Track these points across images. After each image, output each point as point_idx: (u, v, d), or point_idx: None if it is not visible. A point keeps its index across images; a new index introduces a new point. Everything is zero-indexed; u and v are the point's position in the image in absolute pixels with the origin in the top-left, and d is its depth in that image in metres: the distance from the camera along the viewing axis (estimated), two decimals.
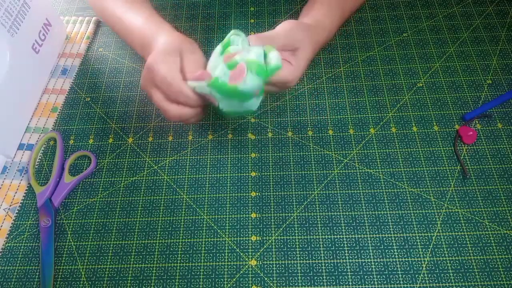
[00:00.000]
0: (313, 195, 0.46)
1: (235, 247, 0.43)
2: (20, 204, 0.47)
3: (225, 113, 0.41)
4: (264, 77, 0.38)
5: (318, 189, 0.46)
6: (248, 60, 0.38)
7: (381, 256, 0.42)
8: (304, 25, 0.45)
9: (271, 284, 0.41)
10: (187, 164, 0.49)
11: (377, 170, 0.47)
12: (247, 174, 0.48)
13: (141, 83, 0.42)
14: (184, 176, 0.48)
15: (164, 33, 0.44)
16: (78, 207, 0.47)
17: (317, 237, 0.43)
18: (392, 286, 0.40)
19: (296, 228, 0.44)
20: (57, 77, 0.56)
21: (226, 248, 0.43)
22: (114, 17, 0.51)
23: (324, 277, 0.41)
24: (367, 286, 0.40)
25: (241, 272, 0.42)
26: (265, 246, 0.43)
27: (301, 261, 0.42)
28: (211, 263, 0.43)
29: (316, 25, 0.47)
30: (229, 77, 0.38)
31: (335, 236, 0.43)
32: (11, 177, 0.49)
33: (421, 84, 0.52)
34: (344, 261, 0.42)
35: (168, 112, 0.40)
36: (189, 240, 0.44)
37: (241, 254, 0.43)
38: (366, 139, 0.49)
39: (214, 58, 0.40)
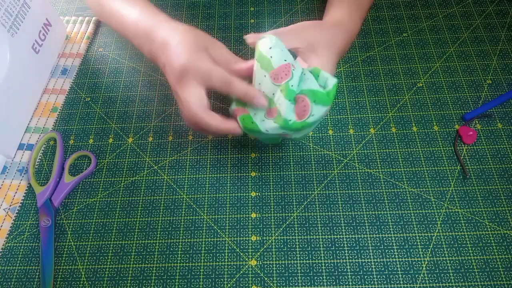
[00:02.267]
0: (313, 195, 0.46)
1: (235, 247, 0.43)
2: (20, 204, 0.47)
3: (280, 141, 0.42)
4: (328, 103, 0.37)
5: (318, 189, 0.46)
6: (309, 91, 0.37)
7: (381, 256, 0.42)
8: (318, 24, 0.43)
9: (271, 284, 0.41)
10: (187, 164, 0.49)
11: (377, 170, 0.47)
12: (247, 174, 0.48)
13: (173, 90, 0.40)
14: (184, 176, 0.48)
15: (163, 26, 0.42)
16: (78, 207, 0.47)
17: (317, 237, 0.43)
18: (392, 286, 0.40)
19: (296, 228, 0.44)
20: (57, 77, 0.56)
21: (226, 248, 0.43)
22: (110, 12, 0.49)
23: (324, 277, 0.41)
24: (367, 286, 0.40)
25: (241, 272, 0.42)
26: (265, 246, 0.43)
27: (301, 261, 0.42)
28: (211, 263, 0.43)
29: (335, 25, 0.44)
30: (295, 115, 0.37)
31: (335, 236, 0.43)
32: (11, 177, 0.49)
33: (421, 84, 0.53)
34: (344, 261, 0.42)
35: (199, 130, 0.40)
36: (189, 240, 0.44)
37: (241, 254, 0.43)
38: (366, 139, 0.49)
39: (258, 76, 0.38)
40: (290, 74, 0.36)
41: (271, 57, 0.36)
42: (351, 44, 0.49)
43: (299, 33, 0.41)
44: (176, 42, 0.40)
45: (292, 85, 0.36)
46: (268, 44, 0.36)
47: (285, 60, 0.36)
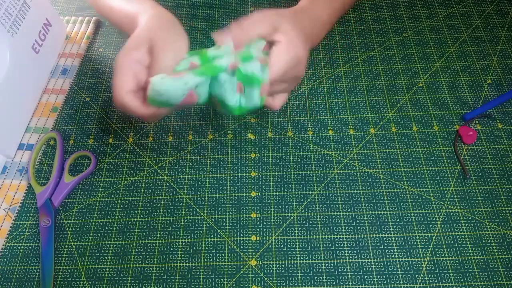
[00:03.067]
0: (313, 195, 0.46)
1: (235, 247, 0.43)
2: (20, 204, 0.47)
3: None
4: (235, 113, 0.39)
5: (318, 189, 0.46)
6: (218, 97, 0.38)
7: (381, 256, 0.42)
8: (278, 10, 0.43)
9: (271, 284, 0.41)
10: (187, 164, 0.49)
11: (377, 170, 0.47)
12: (247, 174, 0.48)
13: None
14: (184, 176, 0.48)
15: (145, 14, 0.43)
16: (78, 207, 0.47)
17: (317, 237, 0.43)
18: (392, 286, 0.40)
19: (296, 228, 0.44)
20: (57, 77, 0.56)
21: (226, 248, 0.43)
22: (103, 4, 0.51)
23: (324, 277, 0.41)
24: (367, 286, 0.40)
25: (241, 272, 0.42)
26: (265, 246, 0.43)
27: (301, 261, 0.42)
28: (211, 263, 0.43)
29: (296, 11, 0.45)
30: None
31: (335, 236, 0.43)
32: (11, 177, 0.49)
33: (421, 84, 0.53)
34: (344, 261, 0.42)
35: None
36: (189, 240, 0.44)
37: (241, 254, 0.43)
38: (366, 139, 0.49)
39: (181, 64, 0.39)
40: (196, 99, 0.38)
41: (167, 100, 0.37)
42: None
43: (261, 19, 0.40)
44: (138, 29, 0.41)
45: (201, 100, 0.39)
46: (155, 94, 0.37)
47: (183, 95, 0.37)
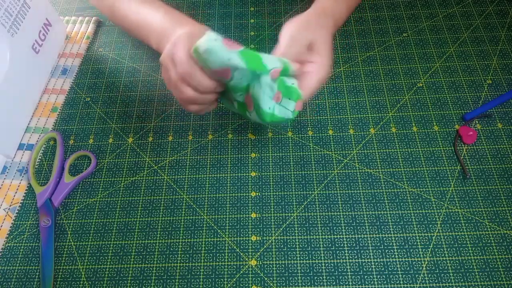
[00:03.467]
0: (313, 195, 0.46)
1: (235, 247, 0.43)
2: (20, 204, 0.47)
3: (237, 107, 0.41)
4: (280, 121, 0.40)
5: (318, 189, 0.46)
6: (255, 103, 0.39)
7: (381, 256, 0.42)
8: (303, 23, 0.44)
9: (271, 284, 0.41)
10: (187, 164, 0.49)
11: (377, 170, 0.47)
12: (247, 174, 0.48)
13: (162, 57, 0.41)
14: (184, 176, 0.48)
15: (188, 26, 0.44)
16: (78, 207, 0.47)
17: (317, 237, 0.43)
18: (392, 286, 0.40)
19: (296, 228, 0.44)
20: (57, 77, 0.56)
21: (226, 248, 0.43)
22: (125, 12, 0.50)
23: (324, 277, 0.41)
24: (367, 286, 0.40)
25: (241, 272, 0.42)
26: (265, 246, 0.43)
27: (301, 261, 0.42)
28: (211, 263, 0.43)
29: (321, 15, 0.46)
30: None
31: (335, 236, 0.43)
32: (11, 177, 0.49)
33: (421, 84, 0.53)
34: (344, 261, 0.42)
35: (181, 93, 0.40)
36: (189, 240, 0.44)
37: (241, 254, 0.43)
38: (366, 139, 0.49)
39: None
40: (229, 76, 0.37)
41: (207, 59, 0.37)
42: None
43: (293, 44, 0.42)
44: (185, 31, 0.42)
45: (233, 84, 0.38)
46: (203, 47, 0.36)
47: (221, 65, 0.37)
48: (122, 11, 0.51)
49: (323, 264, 0.42)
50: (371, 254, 0.42)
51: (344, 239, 0.43)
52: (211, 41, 0.36)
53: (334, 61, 0.55)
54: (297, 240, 0.43)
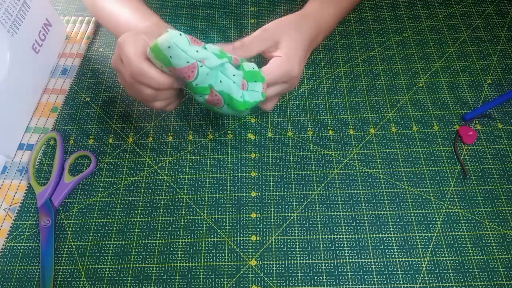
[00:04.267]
0: (313, 195, 0.46)
1: (235, 247, 0.43)
2: (20, 204, 0.47)
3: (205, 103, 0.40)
4: (241, 108, 0.39)
5: (318, 189, 0.46)
6: (223, 93, 0.38)
7: (381, 256, 0.42)
8: (281, 21, 0.45)
9: (271, 284, 0.41)
10: (187, 164, 0.49)
11: (377, 170, 0.47)
12: (247, 174, 0.48)
13: (112, 62, 0.41)
14: (184, 176, 0.48)
15: (149, 22, 0.44)
16: (78, 207, 0.47)
17: (317, 237, 0.43)
18: (392, 286, 0.40)
19: (296, 228, 0.44)
20: (57, 77, 0.56)
21: (226, 248, 0.43)
22: (103, 11, 0.51)
23: (324, 277, 0.41)
24: (367, 286, 0.40)
25: (241, 272, 0.42)
26: (265, 246, 0.43)
27: (301, 261, 0.42)
28: (211, 263, 0.43)
29: (302, 16, 0.47)
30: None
31: (335, 236, 0.43)
32: (11, 177, 0.49)
33: (421, 84, 0.53)
34: (344, 261, 0.42)
35: (138, 94, 0.39)
36: (189, 240, 0.44)
37: (241, 254, 0.43)
38: (366, 139, 0.49)
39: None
40: (193, 75, 0.36)
41: (170, 56, 0.35)
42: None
43: (263, 36, 0.43)
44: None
45: (196, 84, 0.37)
46: (166, 44, 0.35)
47: (188, 62, 0.36)
48: (100, 13, 0.53)
49: (323, 264, 0.42)
50: (371, 254, 0.42)
51: (344, 239, 0.43)
52: (176, 36, 0.34)
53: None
54: (297, 240, 0.43)
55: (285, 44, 0.43)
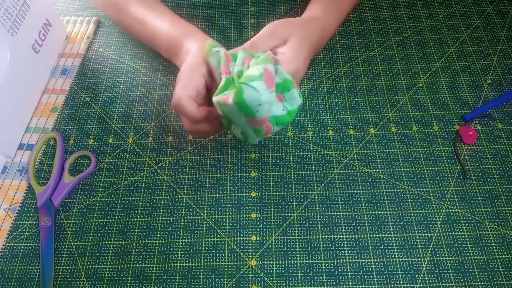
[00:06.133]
0: (313, 195, 0.46)
1: (235, 247, 0.43)
2: (20, 204, 0.47)
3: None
4: (288, 121, 0.39)
5: (318, 189, 0.46)
6: (272, 117, 0.38)
7: (381, 256, 0.42)
8: (290, 20, 0.45)
9: (271, 284, 0.41)
10: (187, 164, 0.49)
11: (377, 170, 0.47)
12: (247, 174, 0.48)
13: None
14: (184, 176, 0.48)
15: (194, 39, 0.45)
16: (78, 207, 0.47)
17: (317, 237, 0.43)
18: (392, 286, 0.40)
19: (296, 228, 0.44)
20: (57, 77, 0.56)
21: (226, 248, 0.43)
22: (131, 22, 0.51)
23: (324, 277, 0.41)
24: (367, 286, 0.40)
25: (241, 272, 0.42)
26: (265, 246, 0.43)
27: (301, 261, 0.42)
28: (211, 263, 0.43)
29: (309, 20, 0.47)
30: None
31: (335, 236, 0.43)
32: (11, 177, 0.49)
33: (421, 84, 0.53)
34: (344, 261, 0.42)
35: (183, 124, 0.42)
36: (189, 240, 0.44)
37: (241, 254, 0.43)
38: (366, 139, 0.49)
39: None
40: (267, 126, 0.37)
41: (257, 111, 0.35)
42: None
43: (272, 33, 0.43)
44: (190, 54, 0.43)
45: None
46: (256, 102, 0.34)
47: (269, 112, 0.35)
48: (128, 20, 0.52)
49: (323, 264, 0.42)
50: (371, 254, 0.42)
51: (344, 239, 0.43)
52: (266, 91, 0.33)
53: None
54: (297, 240, 0.43)
55: (293, 41, 0.43)
